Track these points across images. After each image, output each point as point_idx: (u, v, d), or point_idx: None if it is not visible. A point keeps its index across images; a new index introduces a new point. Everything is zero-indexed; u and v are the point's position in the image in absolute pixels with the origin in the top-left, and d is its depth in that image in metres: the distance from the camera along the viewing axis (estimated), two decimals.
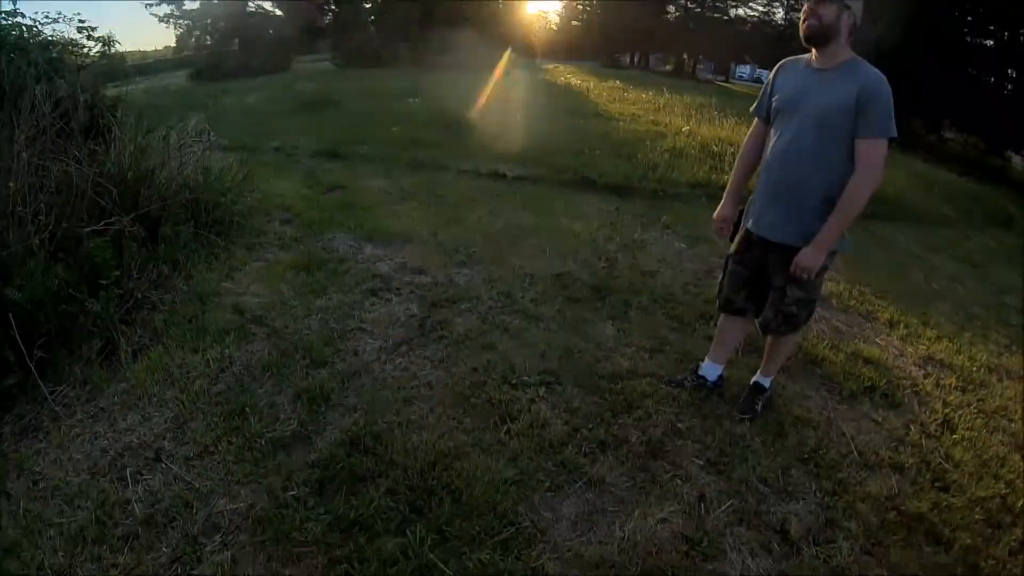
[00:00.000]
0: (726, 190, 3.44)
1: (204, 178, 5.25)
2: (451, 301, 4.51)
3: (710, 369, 3.70)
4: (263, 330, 3.93)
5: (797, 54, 3.11)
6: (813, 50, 2.94)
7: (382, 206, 6.41)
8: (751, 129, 3.35)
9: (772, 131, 3.13)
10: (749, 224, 3.25)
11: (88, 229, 4.06)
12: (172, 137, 5.16)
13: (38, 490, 2.72)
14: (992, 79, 22.05)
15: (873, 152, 2.75)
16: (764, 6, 42.80)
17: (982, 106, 20.72)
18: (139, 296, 4.09)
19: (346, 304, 4.31)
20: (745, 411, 3.50)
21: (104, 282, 3.83)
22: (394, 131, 9.76)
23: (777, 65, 3.20)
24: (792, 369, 4.11)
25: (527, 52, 34.06)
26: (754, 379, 3.67)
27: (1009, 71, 21.80)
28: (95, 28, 6.16)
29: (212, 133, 5.59)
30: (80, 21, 5.99)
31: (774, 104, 3.11)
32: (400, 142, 9.14)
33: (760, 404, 3.55)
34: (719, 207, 3.43)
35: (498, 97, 11.95)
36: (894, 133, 2.74)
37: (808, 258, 2.89)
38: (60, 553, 2.38)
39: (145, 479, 2.78)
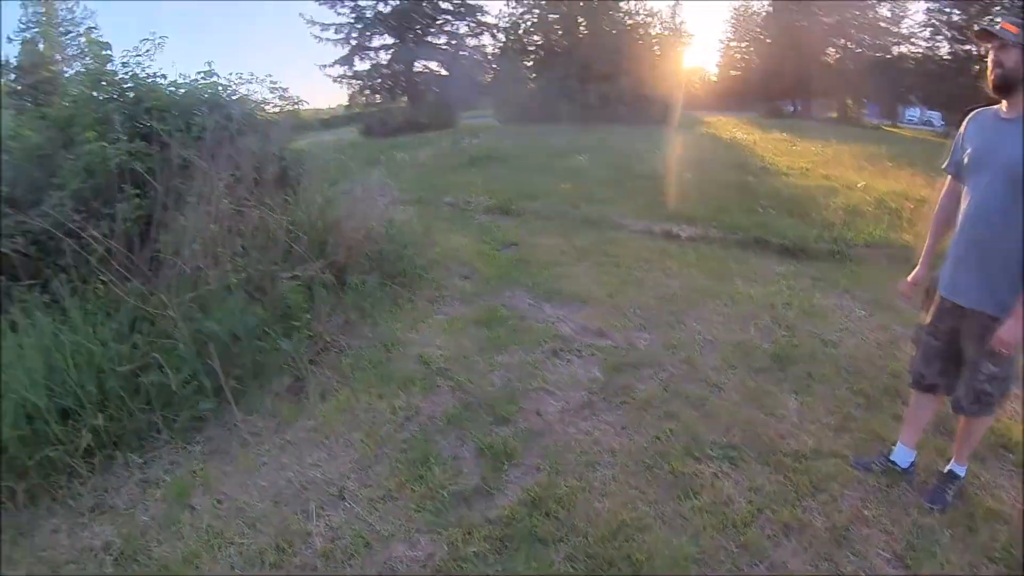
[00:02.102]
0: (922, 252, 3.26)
1: (388, 230, 5.51)
2: (632, 366, 4.47)
3: (902, 454, 3.46)
4: (448, 382, 4.06)
5: (964, 90, 2.91)
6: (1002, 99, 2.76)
7: (558, 265, 6.51)
8: (944, 187, 3.16)
9: (964, 188, 2.95)
10: (941, 290, 3.06)
11: (288, 276, 4.35)
12: (356, 190, 5.46)
13: (222, 509, 2.94)
14: None
15: None
16: (927, 41, 40.26)
17: None
18: (328, 339, 4.36)
19: (528, 363, 4.37)
20: (935, 501, 3.24)
21: (296, 324, 4.11)
22: (564, 188, 9.89)
23: (967, 117, 3.00)
24: (982, 453, 3.79)
25: (687, 105, 33.85)
26: (947, 467, 3.40)
27: None
28: (287, 89, 6.68)
29: (393, 188, 5.86)
30: (272, 82, 6.52)
31: (964, 159, 2.92)
32: (570, 199, 9.25)
33: (951, 494, 3.28)
34: (913, 271, 3.27)
35: (663, 153, 11.86)
36: None
37: (1010, 332, 2.65)
38: (236, 571, 2.54)
39: (327, 514, 2.92)
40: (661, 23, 38.54)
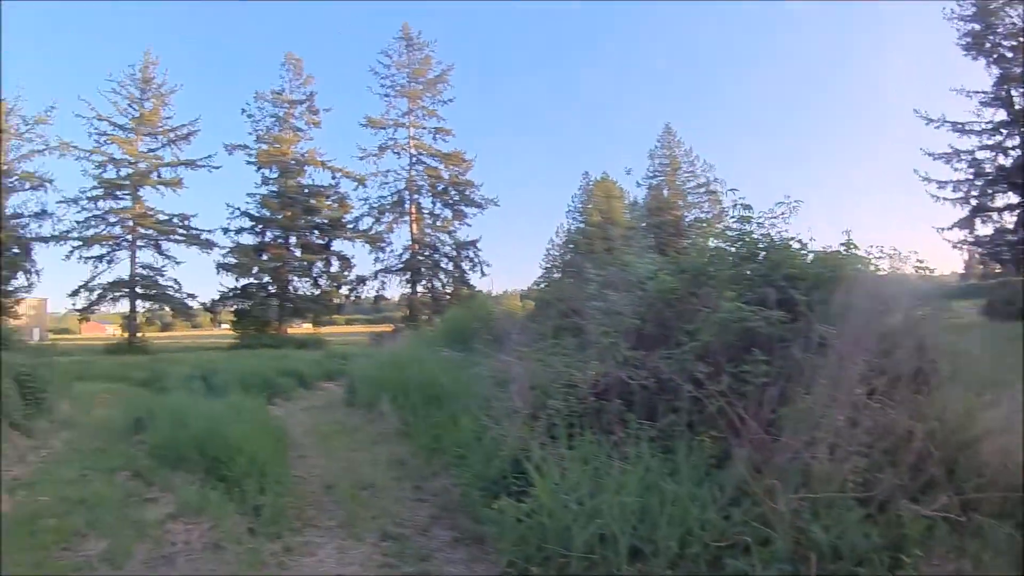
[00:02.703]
0: None
1: None
2: None
3: None
4: None
5: None
6: None
7: None
8: None
9: None
10: None
11: (913, 501, 3.83)
12: (1005, 404, 4.55)
13: None
14: None
15: None
16: None
17: None
18: None
19: None
20: None
21: (905, 559, 3.49)
22: None
23: None
24: None
25: None
26: None
27: None
28: (934, 270, 6.01)
29: None
30: (918, 261, 5.82)
31: None
32: None
33: None
34: None
35: None
36: None
37: None
38: None
39: None
40: None
